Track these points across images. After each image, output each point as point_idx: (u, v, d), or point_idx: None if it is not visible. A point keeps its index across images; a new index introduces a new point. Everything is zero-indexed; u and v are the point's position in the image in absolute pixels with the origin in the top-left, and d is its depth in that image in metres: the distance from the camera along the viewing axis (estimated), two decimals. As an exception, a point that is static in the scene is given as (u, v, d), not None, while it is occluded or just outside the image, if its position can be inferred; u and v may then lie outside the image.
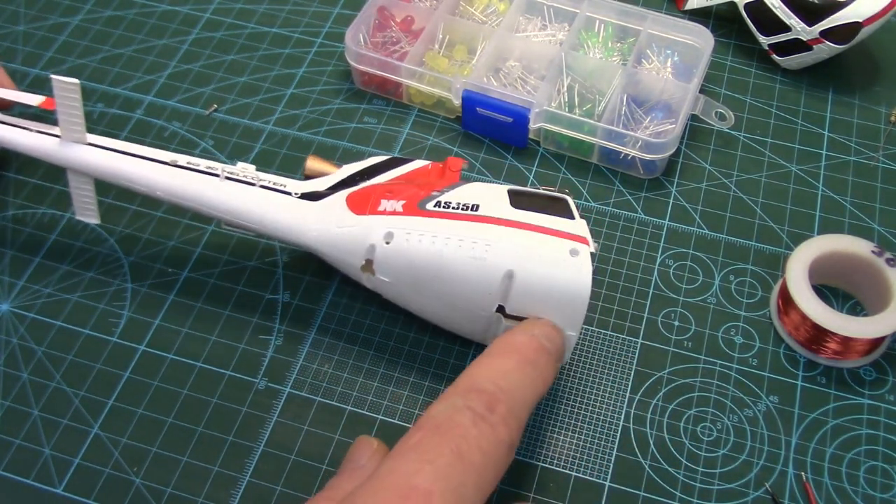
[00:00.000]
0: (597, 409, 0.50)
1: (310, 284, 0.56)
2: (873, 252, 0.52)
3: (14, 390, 0.51)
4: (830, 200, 0.59)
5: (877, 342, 0.51)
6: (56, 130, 0.51)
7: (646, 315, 0.54)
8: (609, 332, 0.53)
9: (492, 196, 0.47)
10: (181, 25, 0.70)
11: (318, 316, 0.54)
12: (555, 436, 0.49)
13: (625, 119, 0.61)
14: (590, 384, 0.51)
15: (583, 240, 0.44)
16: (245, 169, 0.51)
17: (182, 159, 0.51)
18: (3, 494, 0.48)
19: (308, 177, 0.56)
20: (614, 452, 0.49)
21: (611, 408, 0.50)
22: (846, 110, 0.64)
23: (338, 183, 0.51)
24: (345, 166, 0.53)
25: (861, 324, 0.50)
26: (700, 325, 0.54)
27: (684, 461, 0.48)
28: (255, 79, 0.67)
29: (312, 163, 0.59)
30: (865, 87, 0.66)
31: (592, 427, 0.50)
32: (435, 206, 0.47)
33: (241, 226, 0.51)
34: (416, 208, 0.47)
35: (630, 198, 0.60)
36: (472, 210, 0.46)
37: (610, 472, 0.48)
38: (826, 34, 0.62)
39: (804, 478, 0.48)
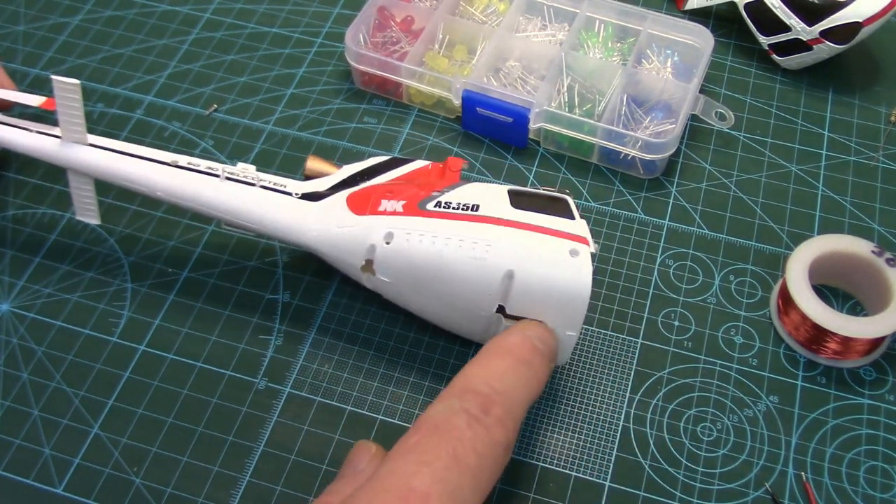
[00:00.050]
0: (597, 409, 0.50)
1: (310, 284, 0.56)
2: (873, 252, 0.52)
3: (14, 390, 0.51)
4: (830, 200, 0.59)
5: (877, 342, 0.51)
6: (56, 131, 0.51)
7: (646, 315, 0.54)
8: (609, 332, 0.53)
9: (492, 196, 0.47)
10: (181, 25, 0.70)
11: (318, 316, 0.54)
12: (555, 436, 0.49)
13: (625, 119, 0.61)
14: (590, 384, 0.51)
15: (583, 240, 0.44)
16: (245, 169, 0.51)
17: (182, 160, 0.51)
18: (3, 494, 0.48)
19: (308, 177, 0.56)
20: (614, 452, 0.49)
21: (611, 408, 0.50)
22: (846, 110, 0.64)
23: (338, 183, 0.51)
24: (345, 167, 0.53)
25: (861, 324, 0.50)
26: (700, 325, 0.54)
27: (684, 461, 0.48)
28: (255, 79, 0.67)
29: (313, 163, 0.59)
30: (865, 87, 0.66)
31: (592, 427, 0.50)
32: (435, 207, 0.47)
33: (242, 226, 0.51)
34: (416, 208, 0.47)
35: (630, 198, 0.60)
36: (472, 210, 0.46)
37: (610, 472, 0.48)
38: (826, 34, 0.62)
39: (804, 478, 0.48)
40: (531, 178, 0.61)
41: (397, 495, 0.35)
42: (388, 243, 0.46)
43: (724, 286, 0.55)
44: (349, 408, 0.51)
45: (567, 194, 0.47)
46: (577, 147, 0.61)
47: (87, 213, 0.54)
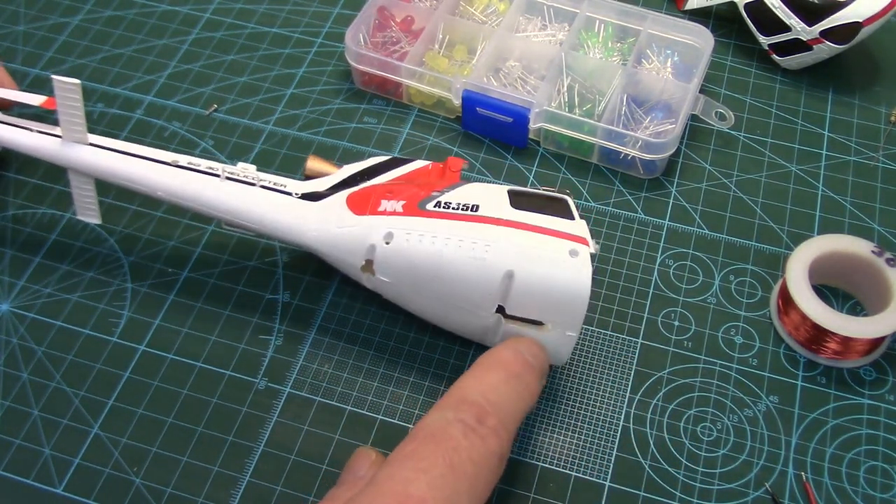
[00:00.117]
0: (597, 409, 0.50)
1: (310, 284, 0.56)
2: (873, 252, 0.52)
3: (14, 390, 0.51)
4: (830, 200, 0.59)
5: (877, 342, 0.51)
6: (57, 130, 0.51)
7: (646, 315, 0.54)
8: (609, 332, 0.53)
9: (492, 196, 0.47)
10: (181, 25, 0.70)
11: (318, 316, 0.54)
12: (555, 436, 0.49)
13: (625, 119, 0.61)
14: (590, 384, 0.51)
15: (583, 240, 0.45)
16: (245, 169, 0.51)
17: (183, 159, 0.51)
18: (3, 494, 0.48)
19: (308, 177, 0.56)
20: (614, 452, 0.49)
21: (611, 408, 0.50)
22: (846, 110, 0.64)
23: (338, 183, 0.51)
24: (345, 167, 0.53)
25: (861, 324, 0.50)
26: (700, 325, 0.54)
27: (684, 461, 0.48)
28: (255, 79, 0.67)
29: (313, 163, 0.59)
30: (865, 87, 0.66)
31: (592, 427, 0.50)
32: (435, 207, 0.47)
33: (242, 226, 0.51)
34: (416, 208, 0.47)
35: (630, 198, 0.60)
36: (472, 210, 0.46)
37: (610, 472, 0.48)
38: (826, 34, 0.62)
39: (804, 478, 0.48)
40: (531, 178, 0.61)
41: (395, 500, 0.36)
42: (387, 243, 0.46)
43: (724, 286, 0.55)
44: (349, 408, 0.51)
45: (567, 194, 0.47)
46: (577, 147, 0.61)
47: (88, 212, 0.54)
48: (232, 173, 0.51)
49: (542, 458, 0.49)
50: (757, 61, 0.67)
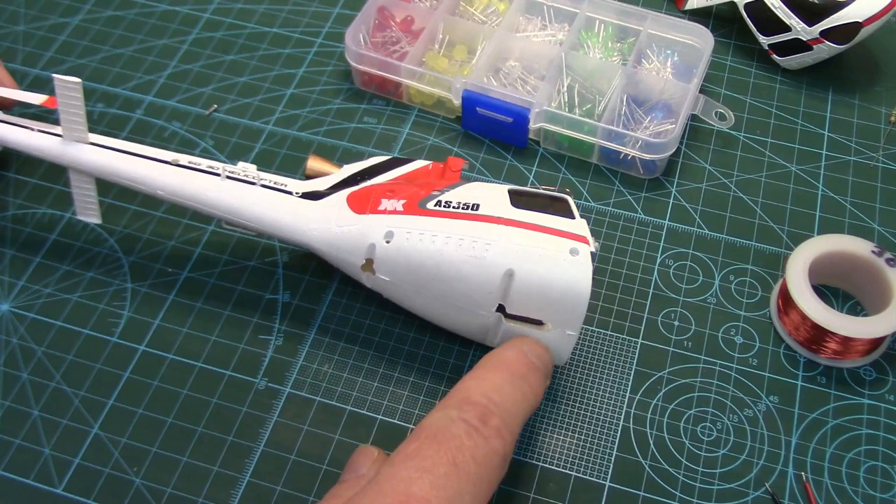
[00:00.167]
0: (597, 409, 0.50)
1: (310, 284, 0.56)
2: (873, 252, 0.52)
3: (14, 390, 0.51)
4: (830, 200, 0.59)
5: (877, 342, 0.51)
6: (58, 130, 0.51)
7: (646, 315, 0.54)
8: (609, 332, 0.53)
9: (492, 195, 0.47)
10: (181, 25, 0.70)
11: (318, 316, 0.54)
12: (555, 436, 0.49)
13: (625, 119, 0.61)
14: (590, 384, 0.51)
15: (583, 239, 0.45)
16: (246, 168, 0.51)
17: (183, 159, 0.51)
18: (3, 494, 0.48)
19: (309, 177, 0.56)
20: (614, 452, 0.49)
21: (611, 408, 0.50)
22: (846, 110, 0.64)
23: (338, 183, 0.51)
24: (345, 166, 0.53)
25: (861, 324, 0.50)
26: (700, 325, 0.54)
27: (684, 461, 0.48)
28: (255, 79, 0.67)
29: (313, 163, 0.59)
30: (865, 87, 0.66)
31: (592, 427, 0.50)
32: (435, 206, 0.47)
33: (242, 225, 0.51)
34: (416, 207, 0.47)
35: (630, 198, 0.60)
36: (472, 209, 0.46)
37: (610, 472, 0.48)
38: (826, 34, 0.62)
39: (804, 478, 0.48)
40: (531, 178, 0.61)
41: (397, 500, 0.35)
42: (388, 242, 0.46)
43: (724, 286, 0.55)
44: (349, 408, 0.51)
45: (567, 194, 0.47)
46: (577, 147, 0.61)
47: (88, 212, 0.54)
48: (232, 172, 0.51)
49: (542, 458, 0.49)
50: (757, 61, 0.67)
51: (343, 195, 0.50)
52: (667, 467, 0.48)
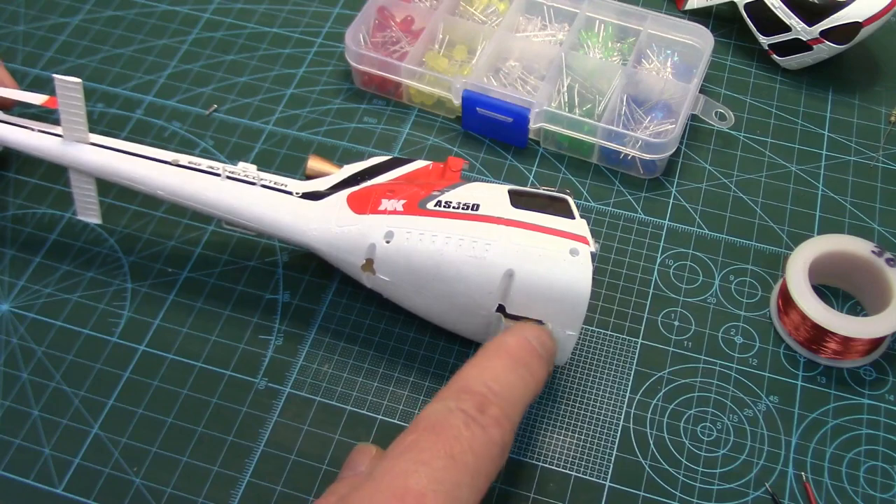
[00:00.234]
0: (597, 409, 0.50)
1: (310, 284, 0.56)
2: (873, 252, 0.52)
3: (14, 390, 0.51)
4: (830, 200, 0.59)
5: (877, 342, 0.51)
6: (58, 130, 0.51)
7: (646, 315, 0.54)
8: (609, 332, 0.53)
9: (492, 196, 0.47)
10: (181, 25, 0.70)
11: (318, 316, 0.54)
12: (555, 436, 0.49)
13: (625, 119, 0.61)
14: (590, 384, 0.51)
15: (583, 239, 0.45)
16: (246, 168, 0.51)
17: (183, 159, 0.51)
18: (3, 494, 0.48)
19: (309, 177, 0.56)
20: (614, 452, 0.49)
21: (611, 408, 0.50)
22: (846, 110, 0.64)
23: (339, 183, 0.51)
24: (346, 166, 0.53)
25: (861, 324, 0.50)
26: (700, 325, 0.54)
27: (684, 461, 0.48)
28: (255, 79, 0.67)
29: (314, 163, 0.59)
30: (865, 87, 0.66)
31: (592, 427, 0.50)
32: (435, 206, 0.47)
33: (242, 225, 0.51)
34: (416, 208, 0.47)
35: (630, 198, 0.60)
36: (472, 209, 0.46)
37: (610, 472, 0.48)
38: (826, 34, 0.62)
39: (804, 478, 0.48)
40: (531, 178, 0.61)
41: (394, 494, 0.35)
42: (388, 242, 0.46)
43: (724, 286, 0.55)
44: (349, 408, 0.51)
45: (567, 194, 0.47)
46: (577, 147, 0.61)
47: (89, 212, 0.54)
48: (232, 172, 0.51)
49: (542, 458, 0.49)
50: (757, 61, 0.67)
51: (343, 195, 0.50)
52: (667, 467, 0.48)
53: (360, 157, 0.61)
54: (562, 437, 0.49)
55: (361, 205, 0.49)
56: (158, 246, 0.57)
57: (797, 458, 0.48)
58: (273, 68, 0.67)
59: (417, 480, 0.35)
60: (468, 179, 0.50)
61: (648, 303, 0.54)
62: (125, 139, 0.53)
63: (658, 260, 0.56)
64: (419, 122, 0.64)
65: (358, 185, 0.51)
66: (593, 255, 0.44)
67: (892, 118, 0.64)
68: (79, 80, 0.49)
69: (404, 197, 0.48)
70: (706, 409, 0.50)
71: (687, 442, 0.49)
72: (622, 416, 0.50)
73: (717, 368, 0.52)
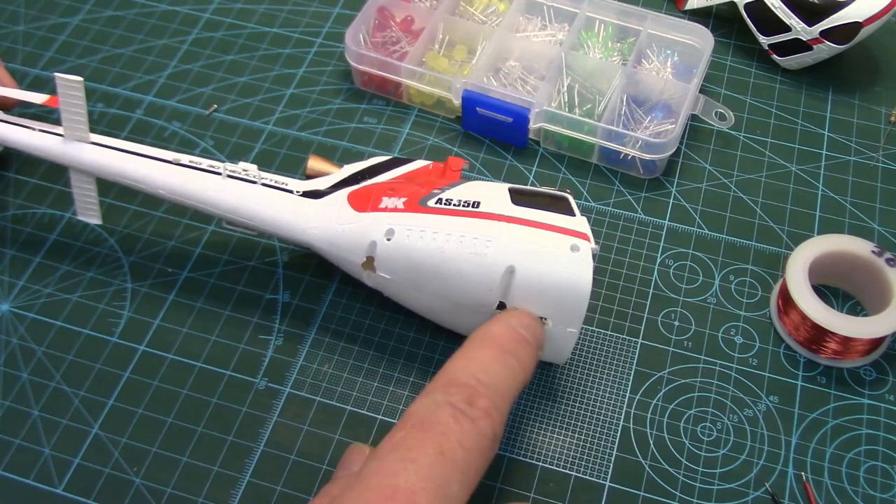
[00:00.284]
0: (597, 409, 0.50)
1: (310, 284, 0.55)
2: (873, 252, 0.52)
3: (14, 390, 0.51)
4: (830, 200, 0.59)
5: (877, 342, 0.51)
6: (58, 130, 0.51)
7: (646, 315, 0.54)
8: (609, 332, 0.53)
9: (493, 193, 0.47)
10: (181, 25, 0.70)
11: (318, 316, 0.54)
12: (555, 436, 0.49)
13: (625, 119, 0.61)
14: (590, 384, 0.51)
15: (584, 236, 0.45)
16: (247, 168, 0.51)
17: (184, 158, 0.51)
18: (3, 494, 0.48)
19: (309, 176, 0.56)
20: (614, 452, 0.49)
21: (611, 408, 0.50)
22: (846, 110, 0.64)
23: (339, 182, 0.51)
24: (346, 166, 0.53)
25: (861, 324, 0.50)
26: (700, 325, 0.54)
27: (684, 461, 0.48)
28: (255, 79, 0.67)
29: (314, 162, 0.59)
30: (865, 87, 0.66)
31: (592, 427, 0.50)
32: (436, 203, 0.47)
33: (243, 224, 0.51)
34: (417, 205, 0.47)
35: (630, 198, 0.60)
36: (473, 207, 0.46)
37: (610, 472, 0.48)
38: (826, 34, 0.62)
39: (804, 478, 0.48)
40: (531, 178, 0.61)
41: (383, 494, 0.34)
42: (388, 240, 0.46)
43: (724, 286, 0.55)
44: (349, 408, 0.51)
45: (568, 193, 0.47)
46: (577, 147, 0.61)
47: (89, 212, 0.54)
48: (233, 171, 0.51)
49: (542, 458, 0.49)
50: (757, 61, 0.67)
51: (344, 194, 0.50)
52: (667, 467, 0.48)
53: (360, 157, 0.61)
54: (562, 437, 0.49)
55: (362, 203, 0.49)
56: (158, 246, 0.57)
57: (797, 458, 0.48)
58: (273, 68, 0.67)
59: (406, 479, 0.35)
60: (468, 179, 0.50)
61: (648, 303, 0.54)
62: (125, 139, 0.53)
63: (658, 260, 0.56)
64: (419, 122, 0.64)
65: (358, 183, 0.51)
66: (594, 253, 0.44)
67: (892, 118, 0.64)
68: (80, 78, 0.49)
69: (405, 195, 0.48)
70: (706, 409, 0.50)
71: (687, 442, 0.49)
72: (622, 416, 0.50)
73: (717, 368, 0.52)
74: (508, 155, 0.62)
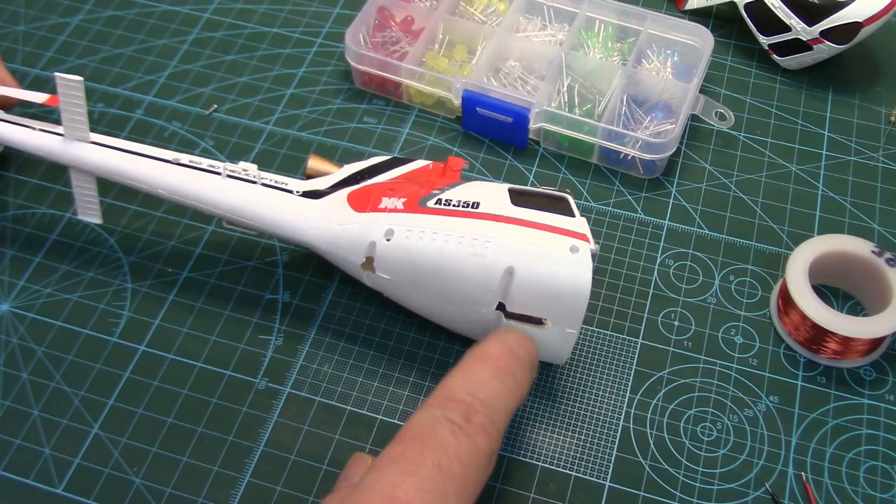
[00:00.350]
0: (597, 409, 0.50)
1: (310, 284, 0.56)
2: (873, 252, 0.52)
3: (14, 390, 0.51)
4: (830, 200, 0.59)
5: (877, 342, 0.51)
6: (59, 129, 0.51)
7: (646, 315, 0.54)
8: (609, 332, 0.53)
9: (492, 194, 0.47)
10: (181, 25, 0.70)
11: (318, 316, 0.54)
12: (555, 436, 0.49)
13: (625, 119, 0.61)
14: (590, 384, 0.51)
15: (583, 237, 0.45)
16: (247, 168, 0.51)
17: (184, 158, 0.51)
18: (3, 494, 0.48)
19: (309, 176, 0.56)
20: (614, 452, 0.49)
21: (611, 408, 0.50)
22: (846, 110, 0.64)
23: (339, 182, 0.51)
24: (346, 166, 0.53)
25: (861, 324, 0.50)
26: (700, 325, 0.54)
27: (684, 461, 0.48)
28: (255, 79, 0.67)
29: (314, 162, 0.59)
30: (865, 87, 0.66)
31: (592, 427, 0.50)
32: (436, 204, 0.47)
33: (243, 224, 0.51)
34: (416, 206, 0.47)
35: (630, 198, 0.60)
36: (472, 207, 0.46)
37: (610, 472, 0.48)
38: (826, 34, 0.62)
39: (804, 478, 0.48)
40: (531, 178, 0.61)
41: None
42: (388, 240, 0.46)
43: (724, 286, 0.55)
44: (349, 408, 0.51)
45: (567, 193, 0.47)
46: (577, 147, 0.61)
47: (89, 211, 0.54)
48: (233, 171, 0.51)
49: (542, 458, 0.49)
50: (757, 61, 0.67)
51: (343, 194, 0.50)
52: (667, 467, 0.48)
53: (360, 157, 0.61)
54: (562, 437, 0.49)
55: (362, 203, 0.49)
56: (158, 246, 0.57)
57: (797, 458, 0.48)
58: (273, 68, 0.67)
59: (405, 490, 0.35)
60: (468, 179, 0.50)
61: (648, 303, 0.54)
62: (125, 139, 0.53)
63: (658, 260, 0.56)
64: (419, 122, 0.64)
65: (358, 184, 0.51)
66: (593, 254, 0.44)
67: (892, 118, 0.64)
68: (80, 78, 0.49)
69: (404, 195, 0.48)
70: (706, 409, 0.50)
71: (687, 442, 0.49)
72: (622, 416, 0.50)
73: (717, 368, 0.52)
74: (508, 155, 0.62)
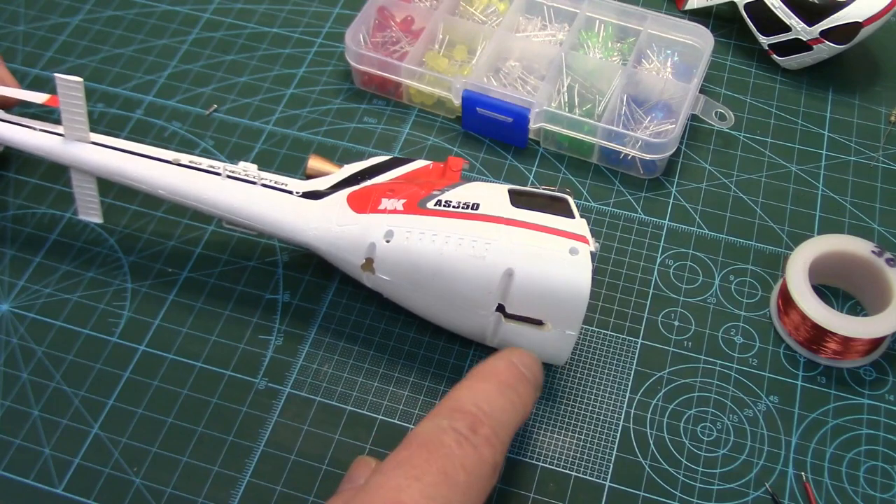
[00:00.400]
0: (597, 409, 0.50)
1: (310, 284, 0.56)
2: (873, 252, 0.52)
3: (14, 390, 0.51)
4: (830, 200, 0.59)
5: (877, 342, 0.51)
6: (59, 129, 0.51)
7: (646, 315, 0.54)
8: (609, 332, 0.53)
9: (492, 195, 0.47)
10: (181, 25, 0.70)
11: (318, 316, 0.54)
12: (555, 436, 0.49)
13: (625, 119, 0.61)
14: (590, 384, 0.51)
15: (583, 239, 0.45)
16: (246, 168, 0.51)
17: (184, 158, 0.51)
18: (3, 494, 0.48)
19: (309, 176, 0.56)
20: (614, 452, 0.49)
21: (611, 408, 0.50)
22: (846, 110, 0.64)
23: (339, 182, 0.51)
24: (346, 166, 0.53)
25: (861, 324, 0.50)
26: (700, 325, 0.54)
27: (684, 461, 0.48)
28: (255, 79, 0.67)
29: (314, 162, 0.59)
30: (865, 87, 0.66)
31: (592, 427, 0.50)
32: (435, 205, 0.47)
33: (243, 224, 0.51)
34: (416, 207, 0.47)
35: (630, 198, 0.60)
36: (472, 209, 0.46)
37: (610, 472, 0.48)
38: (826, 34, 0.62)
39: (804, 478, 0.48)
40: (531, 178, 0.61)
41: None
42: (388, 241, 0.46)
43: (724, 286, 0.55)
44: (349, 408, 0.51)
45: (567, 194, 0.47)
46: (577, 147, 0.61)
47: (90, 211, 0.54)
48: (233, 172, 0.51)
49: (542, 458, 0.49)
50: (757, 61, 0.67)
51: (343, 194, 0.50)
52: (667, 467, 0.48)
53: (360, 157, 0.61)
54: (562, 437, 0.49)
55: (361, 204, 0.49)
56: (158, 246, 0.57)
57: (797, 458, 0.49)
58: (273, 68, 0.67)
59: (410, 495, 0.36)
60: (468, 179, 0.50)
61: (648, 303, 0.54)
62: (125, 139, 0.53)
63: (658, 260, 0.56)
64: (419, 122, 0.64)
65: (358, 184, 0.51)
66: (593, 255, 0.44)
67: (892, 118, 0.64)
68: (80, 78, 0.49)
69: (404, 196, 0.48)
70: (706, 409, 0.50)
71: (687, 442, 0.49)
72: (622, 416, 0.50)
73: (717, 368, 0.52)
74: (508, 155, 0.62)
